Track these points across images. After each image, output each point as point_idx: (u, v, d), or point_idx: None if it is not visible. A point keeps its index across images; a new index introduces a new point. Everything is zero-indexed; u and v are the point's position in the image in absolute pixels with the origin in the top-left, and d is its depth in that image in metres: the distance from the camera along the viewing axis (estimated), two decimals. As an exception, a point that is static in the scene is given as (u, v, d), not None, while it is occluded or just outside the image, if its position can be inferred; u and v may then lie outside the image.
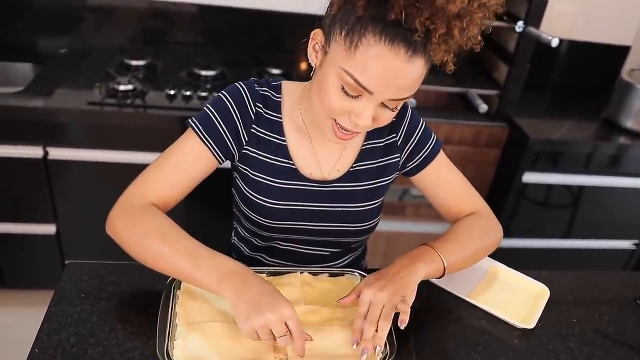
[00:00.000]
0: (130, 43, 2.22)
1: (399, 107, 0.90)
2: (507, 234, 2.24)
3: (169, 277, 0.94)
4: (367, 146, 1.08)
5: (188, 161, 0.99)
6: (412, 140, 1.09)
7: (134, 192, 0.98)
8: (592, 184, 2.20)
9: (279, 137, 1.04)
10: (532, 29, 1.96)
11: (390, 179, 1.11)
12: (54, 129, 1.80)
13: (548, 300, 1.07)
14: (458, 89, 2.19)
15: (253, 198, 1.05)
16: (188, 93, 1.90)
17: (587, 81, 2.56)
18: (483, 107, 2.06)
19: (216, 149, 1.00)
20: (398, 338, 0.89)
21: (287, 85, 1.06)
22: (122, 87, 1.86)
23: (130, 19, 2.23)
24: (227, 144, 1.01)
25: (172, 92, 1.89)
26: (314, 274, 1.01)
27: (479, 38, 0.83)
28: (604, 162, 2.17)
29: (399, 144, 1.09)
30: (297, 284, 0.97)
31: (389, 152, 1.09)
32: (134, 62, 2.08)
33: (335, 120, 0.90)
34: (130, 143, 1.83)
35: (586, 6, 2.42)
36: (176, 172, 0.99)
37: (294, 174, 1.04)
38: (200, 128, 1.00)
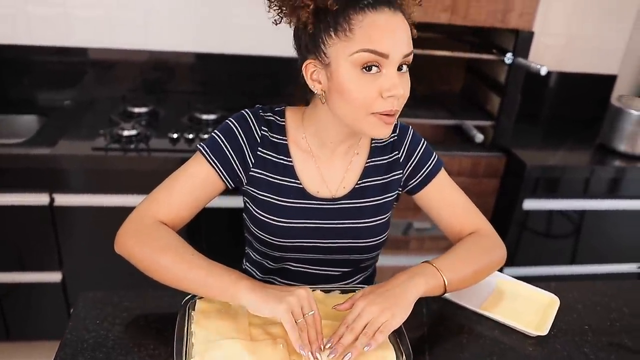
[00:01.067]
0: (132, 93, 2.28)
1: (408, 74, 0.96)
2: (511, 262, 2.29)
3: (183, 300, 0.94)
4: (370, 164, 1.12)
5: (196, 183, 1.04)
6: (413, 158, 1.13)
7: (144, 210, 1.02)
8: (592, 208, 2.23)
9: (285, 159, 1.08)
10: (521, 60, 2.04)
11: (394, 194, 1.14)
12: (60, 176, 1.83)
13: (559, 309, 1.08)
14: (454, 121, 2.24)
15: (263, 218, 1.08)
16: (190, 136, 1.94)
17: (578, 111, 2.63)
18: (479, 137, 2.10)
19: (223, 172, 1.05)
20: (413, 349, 0.90)
21: (289, 110, 1.11)
22: (125, 133, 1.91)
23: (131, 71, 2.30)
24: (233, 166, 1.05)
25: (174, 135, 1.94)
26: (326, 291, 1.02)
27: None
28: (602, 185, 2.20)
29: (401, 160, 1.13)
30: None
31: (392, 169, 1.13)
32: (136, 110, 2.13)
33: (373, 113, 0.93)
34: (135, 187, 1.85)
35: (572, 39, 2.52)
36: (184, 193, 1.03)
37: (302, 192, 1.08)
38: (208, 151, 1.04)
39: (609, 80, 2.64)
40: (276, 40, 2.30)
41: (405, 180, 1.15)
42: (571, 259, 2.34)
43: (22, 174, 1.81)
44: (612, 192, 2.22)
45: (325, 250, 1.11)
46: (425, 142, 1.16)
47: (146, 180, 1.86)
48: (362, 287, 1.03)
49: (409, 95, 0.96)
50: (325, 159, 1.09)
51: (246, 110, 1.09)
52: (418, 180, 1.14)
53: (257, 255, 1.19)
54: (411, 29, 0.94)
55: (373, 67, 0.90)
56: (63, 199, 1.85)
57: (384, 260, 2.06)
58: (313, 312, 0.86)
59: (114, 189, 1.87)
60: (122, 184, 1.87)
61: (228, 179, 1.06)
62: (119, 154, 1.84)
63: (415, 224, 2.25)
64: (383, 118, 0.94)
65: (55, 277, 1.97)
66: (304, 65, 0.97)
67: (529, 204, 2.16)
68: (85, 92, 2.28)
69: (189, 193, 1.03)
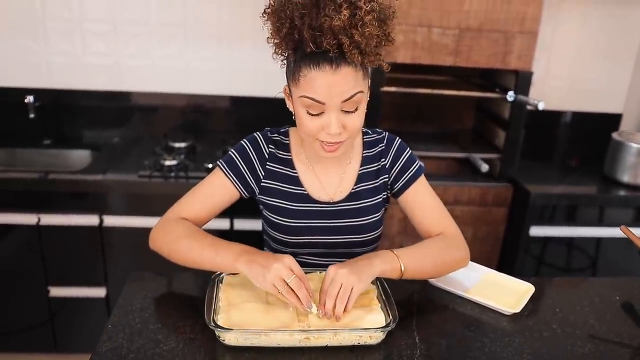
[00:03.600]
0: (173, 131, 2.56)
1: (360, 110, 1.14)
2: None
3: (212, 275, 1.16)
4: (363, 171, 1.34)
5: (213, 190, 1.29)
6: (397, 164, 1.34)
7: (170, 212, 1.29)
8: (600, 235, 2.36)
9: (291, 170, 1.31)
10: (521, 97, 2.24)
11: (381, 197, 1.34)
12: (109, 200, 2.09)
13: (535, 296, 1.24)
14: (461, 154, 2.44)
15: (276, 220, 1.31)
16: (223, 166, 2.19)
17: (586, 148, 2.78)
18: (484, 167, 2.29)
19: (237, 182, 1.29)
20: (401, 318, 1.07)
21: (292, 131, 1.36)
22: (167, 163, 2.17)
23: (172, 112, 2.59)
24: (246, 178, 1.30)
25: (209, 165, 2.19)
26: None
27: (389, 33, 1.09)
28: (608, 214, 2.34)
29: (387, 166, 1.34)
30: (317, 279, 1.18)
31: (380, 174, 1.34)
32: (177, 145, 2.41)
33: (318, 140, 1.15)
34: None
35: (576, 80, 2.72)
36: (203, 198, 1.29)
37: (306, 198, 1.30)
38: (225, 166, 1.30)
39: (614, 119, 2.80)
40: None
41: (391, 184, 1.35)
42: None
43: (76, 198, 2.08)
44: (620, 220, 2.35)
45: (330, 245, 1.32)
46: (410, 151, 1.36)
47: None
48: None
49: (359, 126, 1.15)
50: (322, 169, 1.31)
51: (257, 132, 1.34)
52: (401, 185, 1.33)
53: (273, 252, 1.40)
54: (363, 70, 1.11)
55: (315, 110, 1.11)
56: (111, 221, 2.10)
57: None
58: (293, 276, 1.04)
59: (155, 212, 2.09)
60: (164, 208, 2.10)
61: (242, 188, 1.30)
62: (161, 181, 2.10)
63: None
64: (324, 146, 1.16)
65: (100, 292, 2.20)
66: (283, 88, 1.21)
67: (536, 231, 2.30)
68: (132, 130, 2.58)
69: (207, 198, 1.28)
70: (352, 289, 1.05)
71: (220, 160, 1.31)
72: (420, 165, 1.35)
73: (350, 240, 1.32)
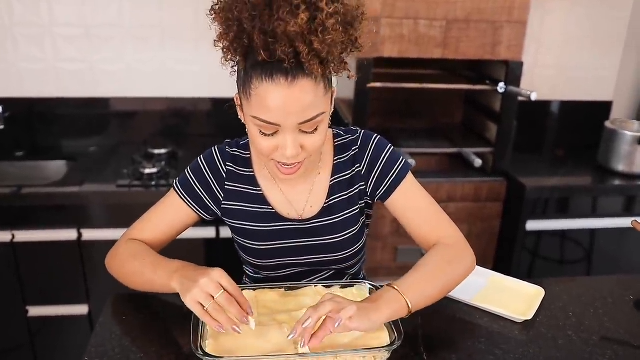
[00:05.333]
0: (153, 137, 2.46)
1: (321, 129, 0.99)
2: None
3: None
4: (334, 181, 1.17)
5: (169, 212, 1.18)
6: (377, 166, 1.15)
7: (123, 236, 1.18)
8: (597, 227, 2.30)
9: (254, 188, 1.17)
10: (512, 88, 2.17)
11: (359, 206, 1.18)
12: (87, 213, 1.98)
13: (546, 300, 1.17)
14: (453, 149, 2.36)
15: (244, 244, 1.19)
16: (207, 172, 2.09)
17: (577, 137, 2.73)
18: (478, 162, 2.21)
19: (194, 205, 1.17)
20: (406, 333, 0.99)
21: None
22: (147, 171, 2.07)
23: (151, 117, 2.48)
24: (204, 201, 1.17)
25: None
26: (327, 287, 1.13)
27: (357, 39, 0.94)
28: (604, 204, 2.29)
29: (362, 173, 1.16)
30: (312, 294, 1.09)
31: (355, 183, 1.17)
32: (156, 151, 2.30)
33: (274, 160, 1.02)
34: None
35: (565, 69, 2.66)
36: (158, 220, 1.18)
37: (274, 217, 1.17)
38: (180, 188, 1.18)
39: (605, 107, 2.75)
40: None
41: (372, 191, 1.17)
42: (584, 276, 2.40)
43: (52, 212, 1.97)
44: (616, 210, 2.30)
45: (307, 264, 1.20)
46: (392, 149, 1.17)
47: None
48: (360, 282, 1.13)
49: (320, 144, 1.01)
50: (287, 183, 1.16)
51: (215, 147, 1.20)
52: (385, 188, 1.15)
53: (251, 273, 1.31)
54: (324, 81, 0.96)
55: (269, 131, 0.97)
56: (90, 234, 1.99)
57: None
58: (221, 292, 0.92)
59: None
60: (144, 218, 2.01)
61: (201, 211, 1.18)
62: (141, 190, 2.00)
63: (423, 250, 2.33)
64: (280, 167, 1.03)
65: (82, 309, 2.09)
66: (235, 96, 1.05)
67: (532, 225, 2.24)
68: (110, 138, 2.47)
69: (162, 221, 1.18)
70: (348, 322, 0.89)
71: (175, 181, 1.19)
72: (404, 163, 1.16)
73: (328, 259, 1.18)
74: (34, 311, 2.08)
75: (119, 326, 1.05)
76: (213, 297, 0.92)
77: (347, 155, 1.17)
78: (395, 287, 0.98)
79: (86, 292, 2.08)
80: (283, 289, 1.11)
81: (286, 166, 1.02)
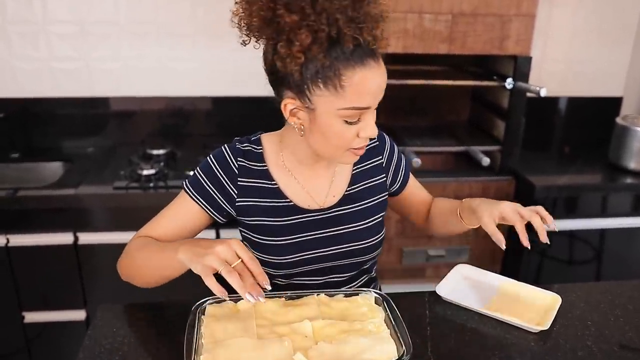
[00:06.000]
0: (151, 138, 2.39)
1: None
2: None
3: (194, 305, 1.00)
4: (357, 170, 1.19)
5: (179, 213, 1.14)
6: (393, 163, 1.24)
7: (130, 240, 1.14)
8: (609, 227, 2.23)
9: (269, 182, 1.14)
10: (521, 84, 2.10)
11: (381, 197, 1.22)
12: (84, 215, 1.92)
13: (563, 307, 1.10)
14: (460, 148, 2.29)
15: (263, 241, 1.13)
16: (206, 173, 2.03)
17: (587, 134, 2.66)
18: (485, 160, 2.15)
19: (207, 206, 1.12)
20: (415, 344, 0.92)
21: (265, 137, 1.18)
22: (145, 172, 2.01)
23: (149, 117, 2.42)
24: (217, 201, 1.13)
25: (191, 172, 2.02)
26: (330, 295, 1.06)
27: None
28: (616, 203, 2.22)
29: (383, 165, 1.22)
30: (314, 303, 1.02)
31: (376, 173, 1.21)
32: (155, 152, 2.24)
33: (350, 149, 1.03)
34: (154, 223, 1.94)
35: (573, 64, 2.59)
36: (167, 222, 1.13)
37: (293, 209, 1.13)
38: (191, 189, 1.13)
39: (614, 102, 2.68)
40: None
41: (390, 184, 1.24)
42: (594, 278, 2.33)
43: (48, 215, 1.91)
44: (628, 209, 2.23)
45: (328, 257, 1.15)
46: (398, 149, 1.28)
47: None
48: (364, 290, 1.07)
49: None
50: (307, 174, 1.15)
51: (224, 145, 1.16)
52: (399, 183, 1.26)
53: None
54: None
55: (355, 118, 0.99)
56: (87, 238, 1.93)
57: (400, 288, 2.09)
58: (238, 260, 0.89)
59: (135, 226, 1.93)
60: (143, 221, 1.94)
61: (214, 212, 1.13)
62: (139, 192, 1.93)
63: (429, 251, 2.27)
64: (356, 152, 1.05)
65: (79, 315, 2.04)
66: (282, 105, 1.03)
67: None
68: (107, 138, 2.40)
69: (172, 223, 1.13)
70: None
71: (186, 182, 1.14)
72: (407, 161, 1.30)
73: (352, 249, 1.16)
74: (31, 317, 2.02)
75: (108, 340, 0.99)
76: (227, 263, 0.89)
77: (367, 146, 1.13)
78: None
79: (83, 297, 2.02)
80: (283, 299, 1.04)
81: (361, 148, 1.05)
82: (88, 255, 1.96)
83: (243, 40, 1.01)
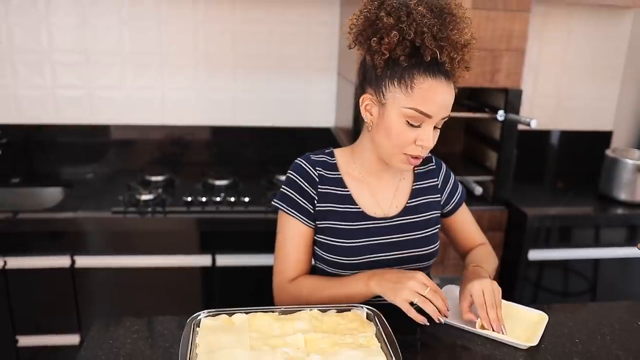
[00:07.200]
0: (150, 165, 2.43)
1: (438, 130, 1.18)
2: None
3: (188, 318, 1.02)
4: (417, 186, 1.34)
5: (295, 239, 1.27)
6: (448, 186, 1.38)
7: (280, 281, 1.27)
8: (603, 256, 2.26)
9: (342, 189, 1.28)
10: (512, 115, 2.16)
11: (436, 213, 1.35)
12: (81, 239, 1.94)
13: (551, 326, 1.12)
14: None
15: (333, 243, 1.25)
16: (204, 199, 2.06)
17: (578, 167, 2.70)
18: (478, 190, 2.18)
19: (302, 217, 1.26)
20: (405, 359, 0.94)
21: (338, 151, 1.34)
22: (143, 197, 2.04)
23: (148, 146, 2.47)
24: (307, 209, 1.26)
25: (189, 199, 2.06)
26: (323, 310, 1.09)
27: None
28: (608, 233, 2.25)
29: (439, 186, 1.37)
30: (307, 318, 1.04)
31: (432, 192, 1.36)
32: (153, 178, 2.27)
33: (404, 153, 1.16)
34: (152, 248, 1.96)
35: (563, 98, 2.66)
36: (293, 252, 1.27)
37: (362, 216, 1.27)
38: (284, 205, 1.27)
39: (605, 136, 2.74)
40: (281, 113, 2.49)
41: (443, 204, 1.37)
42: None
43: (45, 238, 1.93)
44: (620, 239, 2.26)
45: (390, 262, 1.27)
46: (454, 176, 1.43)
47: (162, 241, 1.98)
48: (356, 306, 1.09)
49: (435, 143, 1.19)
50: (375, 185, 1.30)
51: (299, 159, 1.31)
52: (452, 206, 1.39)
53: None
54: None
55: (417, 122, 1.12)
56: (84, 261, 1.95)
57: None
58: (428, 289, 1.09)
59: (132, 250, 1.97)
60: (140, 246, 1.97)
61: (308, 220, 1.26)
62: (137, 217, 1.96)
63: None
64: (410, 159, 1.17)
65: (73, 339, 2.03)
66: (361, 98, 1.19)
67: (534, 255, 2.19)
68: (107, 165, 2.44)
69: (296, 251, 1.27)
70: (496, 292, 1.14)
71: (277, 201, 1.28)
72: (464, 190, 1.43)
73: (409, 255, 1.28)
74: (24, 341, 2.01)
75: (104, 352, 1.00)
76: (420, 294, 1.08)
77: (426, 168, 1.37)
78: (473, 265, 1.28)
79: (77, 321, 2.02)
80: (277, 313, 1.07)
81: (416, 158, 1.17)
82: (84, 278, 1.97)
83: (349, 45, 1.18)
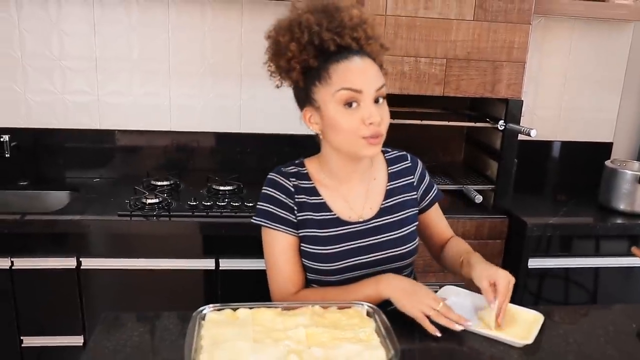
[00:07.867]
0: (156, 171, 2.47)
1: (385, 104, 1.21)
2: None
3: (194, 312, 1.05)
4: (391, 186, 1.36)
5: (286, 253, 1.28)
6: (423, 183, 1.42)
7: (277, 294, 1.29)
8: (603, 265, 2.28)
9: (317, 198, 1.31)
10: (512, 125, 2.20)
11: (413, 210, 1.38)
12: (87, 241, 1.98)
13: (547, 326, 1.15)
14: (454, 186, 2.37)
15: (313, 251, 1.28)
16: (208, 204, 2.10)
17: (578, 178, 2.73)
18: (478, 198, 2.21)
19: (287, 229, 1.28)
20: (403, 354, 0.97)
21: (307, 160, 1.37)
22: (149, 201, 2.07)
23: (155, 151, 2.51)
24: (290, 220, 1.28)
25: (193, 203, 2.09)
26: (324, 307, 1.12)
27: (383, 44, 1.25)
28: (607, 243, 2.27)
29: (414, 184, 1.40)
30: (309, 313, 1.08)
31: (408, 190, 1.38)
32: (159, 183, 2.31)
33: (360, 137, 1.17)
34: (156, 250, 1.99)
35: (563, 110, 2.70)
36: (287, 266, 1.29)
37: (337, 221, 1.30)
38: (267, 221, 1.28)
39: (605, 148, 2.77)
40: (284, 120, 2.53)
41: (419, 201, 1.40)
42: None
43: (52, 239, 1.97)
44: (620, 249, 2.28)
45: (370, 264, 1.30)
46: (429, 174, 1.46)
47: (167, 244, 2.02)
48: (357, 303, 1.12)
49: (389, 121, 1.21)
50: (346, 189, 1.32)
51: (271, 174, 1.33)
52: (427, 202, 1.42)
53: (313, 286, 1.35)
54: (381, 70, 1.22)
55: (353, 103, 1.16)
56: (89, 263, 1.98)
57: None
58: (441, 304, 1.13)
59: (136, 253, 2.00)
60: (145, 249, 2.00)
61: (293, 230, 1.28)
62: (142, 220, 1.99)
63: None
64: (369, 140, 1.18)
65: (77, 340, 2.06)
66: (302, 114, 1.25)
67: (534, 263, 2.22)
68: (114, 170, 2.49)
69: (289, 263, 1.29)
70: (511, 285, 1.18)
71: (258, 218, 1.30)
72: (438, 189, 1.46)
73: (388, 256, 1.31)
74: (29, 341, 2.04)
75: (112, 344, 1.03)
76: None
77: (400, 166, 1.40)
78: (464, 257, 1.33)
79: (82, 322, 2.05)
80: (280, 308, 1.10)
81: (373, 137, 1.18)
82: (89, 280, 2.00)
83: (276, 85, 1.27)
